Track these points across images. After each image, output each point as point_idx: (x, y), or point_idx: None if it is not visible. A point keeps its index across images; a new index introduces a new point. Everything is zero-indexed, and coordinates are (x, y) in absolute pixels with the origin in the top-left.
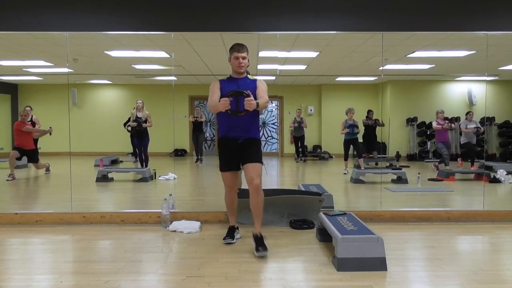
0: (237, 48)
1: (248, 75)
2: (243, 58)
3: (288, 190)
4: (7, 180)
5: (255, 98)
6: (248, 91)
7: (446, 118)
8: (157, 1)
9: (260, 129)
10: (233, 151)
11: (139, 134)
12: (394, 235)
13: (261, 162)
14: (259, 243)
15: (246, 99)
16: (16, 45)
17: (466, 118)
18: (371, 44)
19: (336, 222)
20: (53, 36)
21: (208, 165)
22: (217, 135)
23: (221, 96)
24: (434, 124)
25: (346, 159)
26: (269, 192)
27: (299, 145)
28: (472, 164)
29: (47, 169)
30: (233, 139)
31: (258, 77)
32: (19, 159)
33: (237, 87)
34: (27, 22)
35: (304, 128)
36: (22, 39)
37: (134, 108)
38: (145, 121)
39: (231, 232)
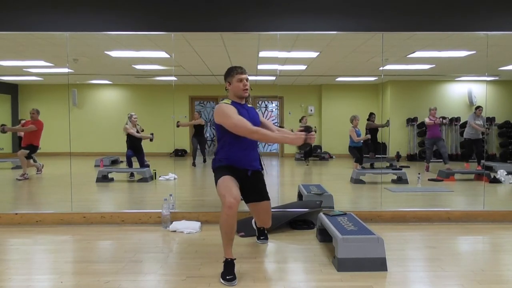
0: (239, 70)
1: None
2: (247, 80)
3: (288, 210)
4: (18, 179)
5: (259, 126)
6: (315, 126)
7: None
8: (157, 1)
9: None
10: (240, 179)
11: (133, 146)
12: (395, 235)
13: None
14: (262, 233)
15: (311, 133)
16: (16, 45)
17: (475, 113)
18: (371, 44)
19: (336, 223)
20: (53, 36)
21: (209, 165)
22: (215, 161)
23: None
24: (427, 120)
25: (357, 161)
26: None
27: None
28: (479, 164)
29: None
30: (242, 170)
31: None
32: (30, 155)
33: (247, 114)
34: (27, 22)
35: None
36: (22, 39)
37: (126, 122)
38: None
39: (230, 267)
